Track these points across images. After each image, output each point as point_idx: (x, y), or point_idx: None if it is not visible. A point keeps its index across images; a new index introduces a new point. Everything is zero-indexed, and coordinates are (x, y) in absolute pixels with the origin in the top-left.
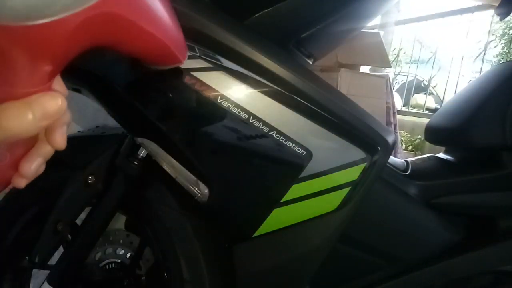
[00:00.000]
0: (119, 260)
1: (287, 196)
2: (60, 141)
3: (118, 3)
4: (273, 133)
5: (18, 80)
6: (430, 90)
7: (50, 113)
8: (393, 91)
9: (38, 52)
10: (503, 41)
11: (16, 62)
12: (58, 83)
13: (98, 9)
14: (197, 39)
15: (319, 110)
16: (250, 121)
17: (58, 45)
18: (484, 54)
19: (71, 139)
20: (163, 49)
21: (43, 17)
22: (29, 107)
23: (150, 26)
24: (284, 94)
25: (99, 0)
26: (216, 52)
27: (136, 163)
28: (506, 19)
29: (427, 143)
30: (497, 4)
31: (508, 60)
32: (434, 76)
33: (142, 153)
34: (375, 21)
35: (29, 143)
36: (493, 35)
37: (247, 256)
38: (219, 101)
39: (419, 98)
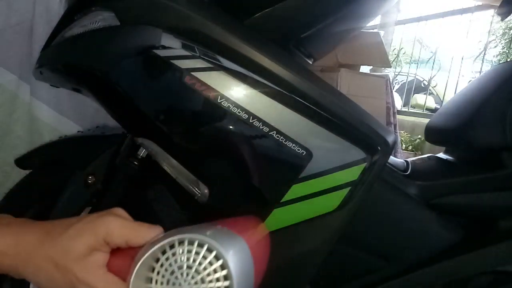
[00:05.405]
0: None
1: (287, 196)
2: None
3: None
4: (273, 133)
5: None
6: (430, 90)
7: None
8: (393, 91)
9: None
10: (503, 41)
11: None
12: None
13: None
14: (197, 39)
15: (319, 110)
16: (250, 121)
17: None
18: (484, 54)
19: (71, 139)
20: None
21: None
22: None
23: None
24: (284, 94)
25: None
26: (216, 52)
27: (136, 163)
28: (507, 19)
29: (427, 143)
30: (497, 4)
31: (508, 60)
32: (434, 76)
33: (142, 153)
34: (375, 21)
35: None
36: (493, 35)
37: None
38: (219, 101)
39: (419, 98)
